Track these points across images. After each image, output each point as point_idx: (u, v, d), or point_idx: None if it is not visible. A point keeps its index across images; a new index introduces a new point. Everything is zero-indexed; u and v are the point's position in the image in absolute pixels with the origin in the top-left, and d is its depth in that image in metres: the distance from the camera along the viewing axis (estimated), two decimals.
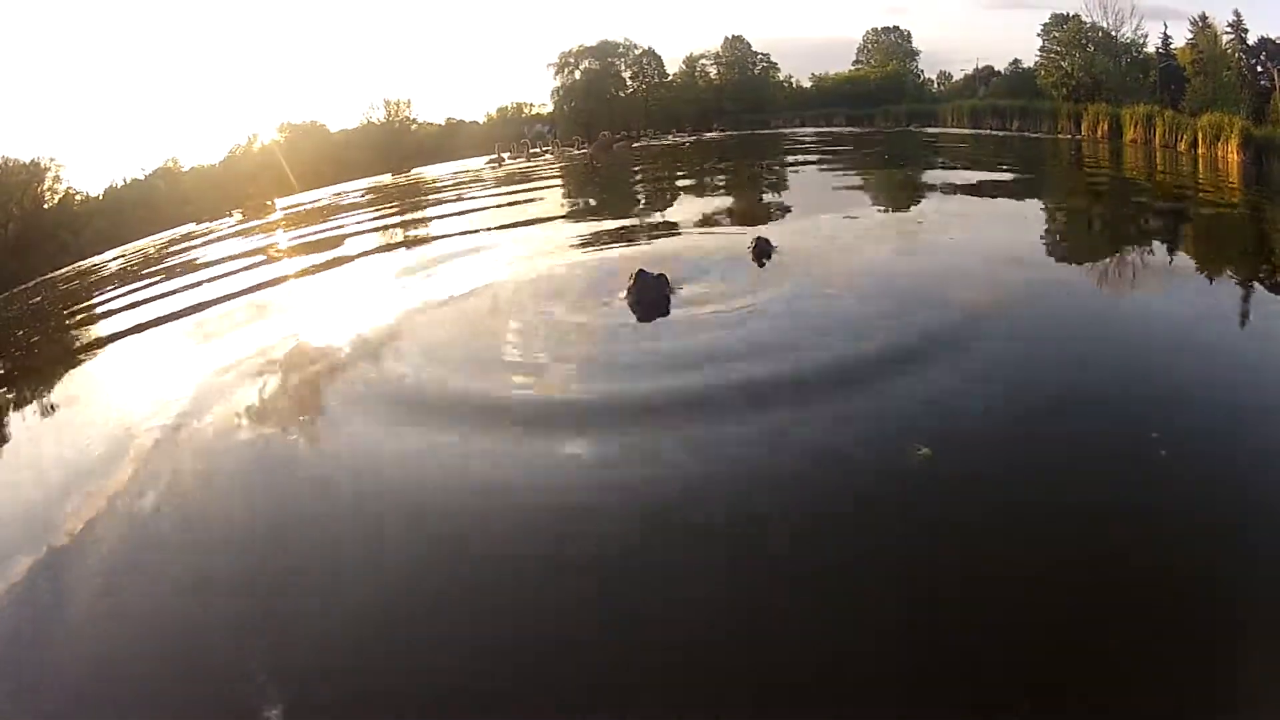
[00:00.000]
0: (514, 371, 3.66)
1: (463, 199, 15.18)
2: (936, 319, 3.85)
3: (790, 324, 4.00)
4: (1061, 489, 2.33)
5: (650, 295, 4.52)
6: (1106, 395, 2.97)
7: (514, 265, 6.36)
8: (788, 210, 8.82)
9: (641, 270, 4.65)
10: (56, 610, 2.33)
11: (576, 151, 26.81)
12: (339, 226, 13.66)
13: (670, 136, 29.54)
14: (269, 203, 24.27)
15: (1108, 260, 5.67)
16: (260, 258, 10.47)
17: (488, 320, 4.71)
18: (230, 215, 29.66)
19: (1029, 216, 7.86)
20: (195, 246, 15.42)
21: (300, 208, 22.63)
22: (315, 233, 13.13)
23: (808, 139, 22.77)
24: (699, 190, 12.35)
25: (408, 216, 13.83)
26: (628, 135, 28.89)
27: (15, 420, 4.84)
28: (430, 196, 17.91)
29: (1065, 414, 2.79)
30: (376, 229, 12.43)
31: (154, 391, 4.39)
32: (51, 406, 5.13)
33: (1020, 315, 4.06)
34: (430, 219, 12.68)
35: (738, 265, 5.30)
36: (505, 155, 27.81)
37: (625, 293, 4.63)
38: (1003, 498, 2.31)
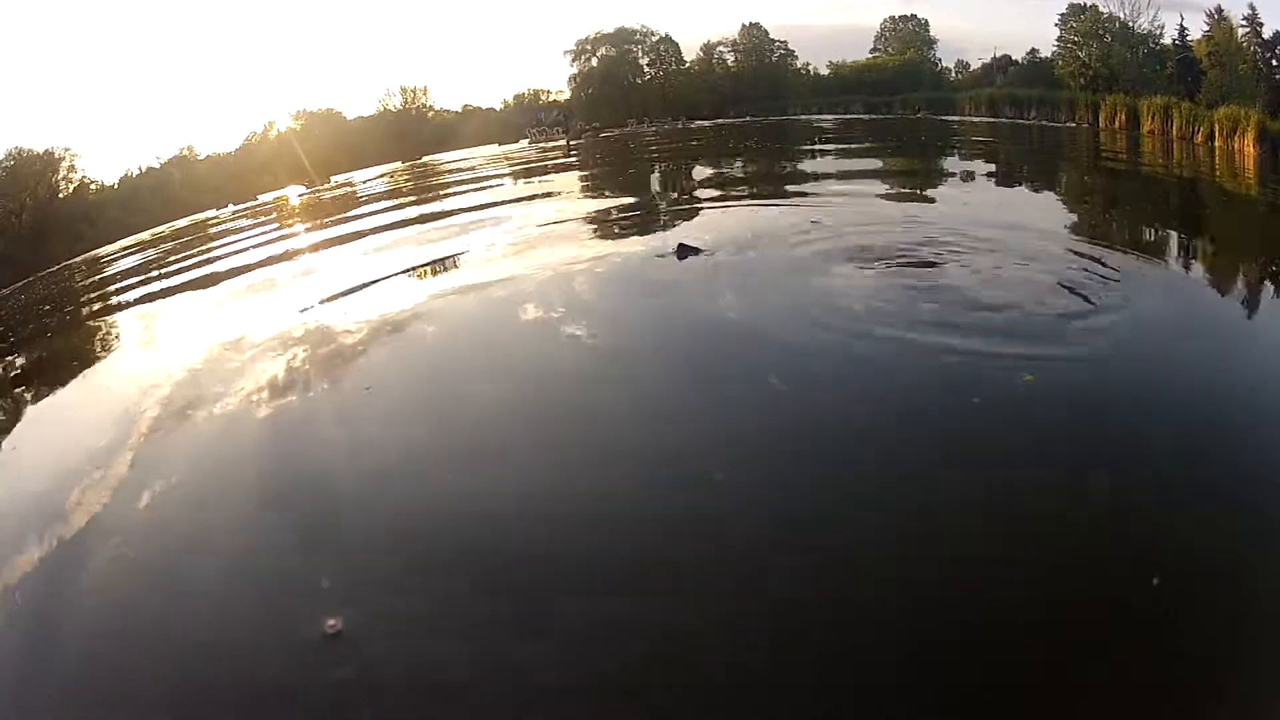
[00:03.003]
0: None
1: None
2: None
3: None
4: None
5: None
6: None
7: None
8: None
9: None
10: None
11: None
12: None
13: (666, 124, 31.21)
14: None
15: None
16: None
17: None
18: (256, 199, 30.67)
19: None
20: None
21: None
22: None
23: (828, 126, 23.31)
24: None
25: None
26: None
27: None
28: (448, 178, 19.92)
29: None
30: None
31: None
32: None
33: None
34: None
35: None
36: (541, 139, 31.42)
37: None
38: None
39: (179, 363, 5.12)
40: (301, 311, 5.99)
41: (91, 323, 9.46)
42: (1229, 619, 1.95)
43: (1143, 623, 1.93)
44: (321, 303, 6.22)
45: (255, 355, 4.87)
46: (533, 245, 7.49)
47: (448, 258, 7.45)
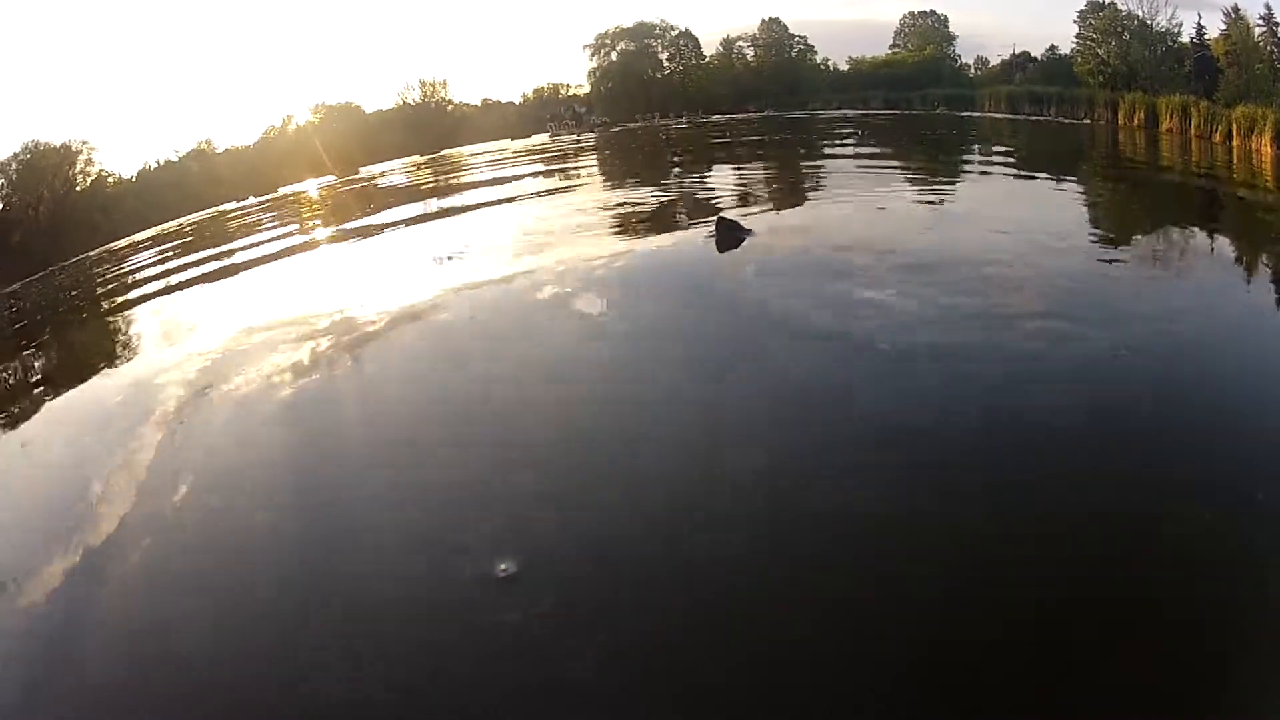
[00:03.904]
0: None
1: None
2: None
3: None
4: None
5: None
6: None
7: None
8: None
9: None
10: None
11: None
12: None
13: (683, 118, 31.94)
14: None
15: None
16: None
17: None
18: (275, 191, 31.28)
19: None
20: None
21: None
22: None
23: (848, 122, 23.74)
24: None
25: None
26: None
27: None
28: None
29: None
30: None
31: None
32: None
33: None
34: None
35: None
36: (562, 132, 33.17)
37: None
38: None
39: None
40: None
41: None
42: None
43: None
44: None
45: None
46: None
47: None
